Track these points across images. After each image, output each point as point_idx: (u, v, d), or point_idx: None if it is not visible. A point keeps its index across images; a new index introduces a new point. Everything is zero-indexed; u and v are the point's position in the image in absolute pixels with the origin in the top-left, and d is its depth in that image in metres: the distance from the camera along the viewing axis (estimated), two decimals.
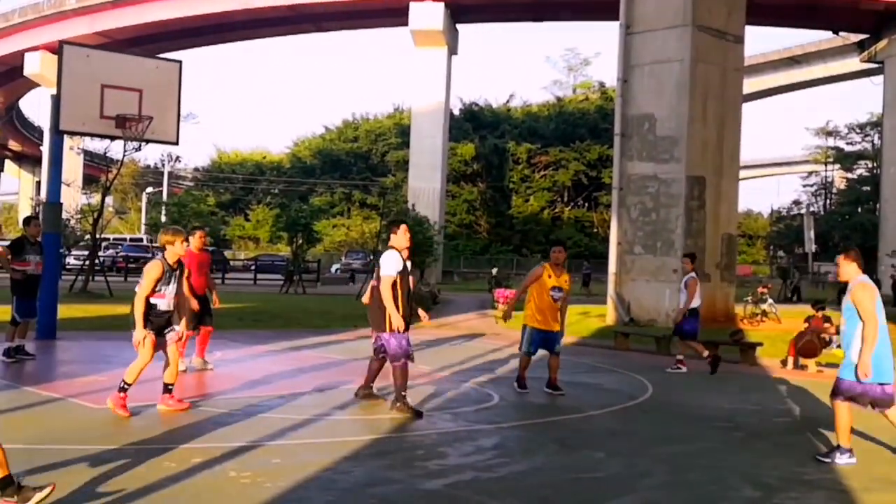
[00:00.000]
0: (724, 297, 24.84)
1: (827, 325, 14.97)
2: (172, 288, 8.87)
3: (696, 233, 23.54)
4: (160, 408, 9.04)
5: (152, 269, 8.70)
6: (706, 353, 14.23)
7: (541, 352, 11.33)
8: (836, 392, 7.93)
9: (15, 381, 10.65)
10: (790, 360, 15.28)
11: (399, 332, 9.29)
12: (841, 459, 7.78)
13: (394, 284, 9.33)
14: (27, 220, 13.38)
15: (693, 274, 14.45)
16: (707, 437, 8.98)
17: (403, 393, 9.33)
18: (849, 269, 7.82)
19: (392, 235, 9.80)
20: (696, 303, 14.24)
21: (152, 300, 8.68)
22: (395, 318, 9.22)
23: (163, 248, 8.91)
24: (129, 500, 5.83)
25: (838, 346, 14.73)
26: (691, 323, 14.35)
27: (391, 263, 9.42)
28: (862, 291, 7.63)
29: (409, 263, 9.75)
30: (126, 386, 8.62)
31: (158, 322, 8.79)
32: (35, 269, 12.71)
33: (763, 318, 25.18)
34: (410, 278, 14.55)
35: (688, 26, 23.29)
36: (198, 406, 9.33)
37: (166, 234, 8.94)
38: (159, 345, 8.82)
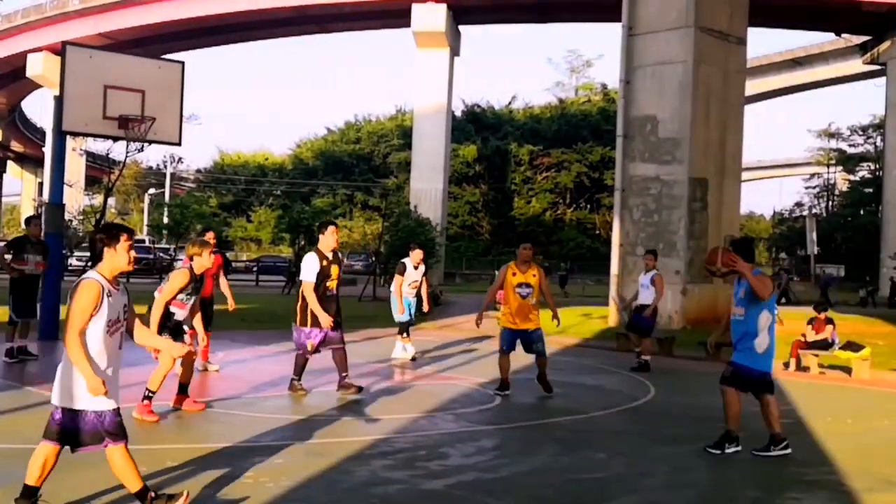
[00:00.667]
0: (727, 299, 24.75)
1: (829, 326, 15.00)
2: (192, 299, 8.88)
3: (699, 234, 23.53)
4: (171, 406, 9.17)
5: (179, 278, 8.71)
6: (648, 356, 14.33)
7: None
8: (768, 387, 8.11)
9: (17, 382, 10.67)
10: (792, 361, 15.28)
11: (306, 328, 10.08)
12: (730, 448, 8.01)
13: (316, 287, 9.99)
14: (28, 220, 13.38)
15: (657, 271, 14.58)
16: (709, 438, 8.95)
17: (295, 377, 10.42)
18: (744, 265, 8.07)
19: (320, 236, 10.28)
20: (652, 299, 14.32)
21: (171, 308, 8.69)
22: (323, 318, 9.92)
23: (191, 258, 8.90)
24: (132, 499, 5.83)
25: (841, 348, 14.77)
26: (650, 320, 14.44)
27: (308, 268, 10.06)
28: (764, 280, 7.94)
29: (336, 266, 10.29)
30: (150, 394, 8.60)
31: (172, 328, 8.81)
32: (34, 269, 12.66)
33: None
34: (423, 277, 14.64)
35: (690, 28, 23.28)
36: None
37: (193, 247, 8.96)
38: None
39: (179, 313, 8.78)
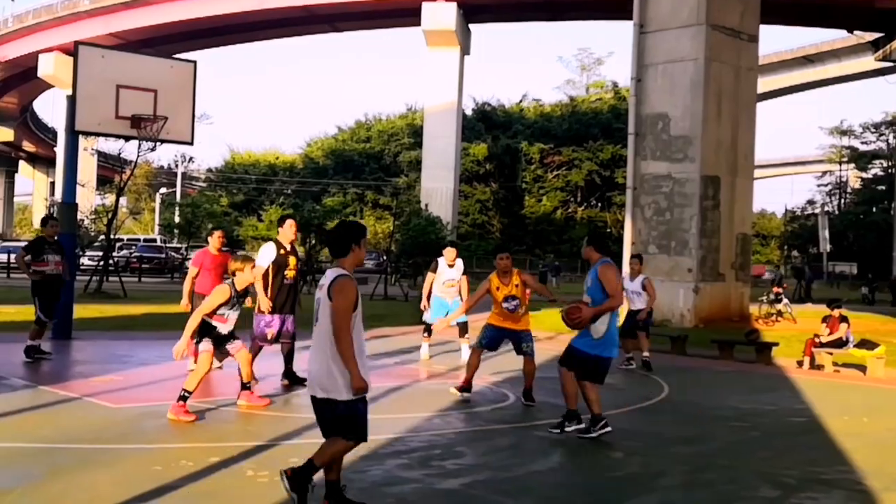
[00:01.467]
0: (739, 297, 24.76)
1: (843, 324, 14.93)
2: (236, 314, 8.96)
3: (711, 232, 23.47)
4: (240, 403, 9.31)
5: (219, 294, 8.75)
6: (648, 352, 14.18)
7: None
8: (594, 374, 8.47)
9: (32, 381, 10.69)
10: (806, 360, 15.21)
11: (266, 314, 10.38)
12: (570, 427, 8.44)
13: (265, 274, 10.39)
14: (44, 221, 13.35)
15: (644, 275, 14.50)
16: (723, 437, 8.95)
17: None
18: (592, 254, 8.54)
19: (280, 229, 10.82)
20: (644, 304, 14.26)
21: (214, 323, 8.76)
22: (263, 301, 10.27)
23: (232, 274, 8.95)
24: (147, 499, 5.84)
25: (856, 346, 14.72)
26: (647, 321, 14.43)
27: (264, 256, 10.59)
28: (610, 270, 8.37)
29: (293, 257, 10.79)
30: (187, 394, 8.61)
31: (218, 335, 8.90)
32: (54, 269, 12.66)
33: (778, 318, 25.09)
34: (464, 277, 14.03)
35: (702, 25, 23.23)
36: (213, 405, 9.34)
37: (236, 262, 8.99)
38: (217, 354, 8.95)
39: (222, 327, 8.85)
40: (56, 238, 13.09)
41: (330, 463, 5.66)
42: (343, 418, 5.54)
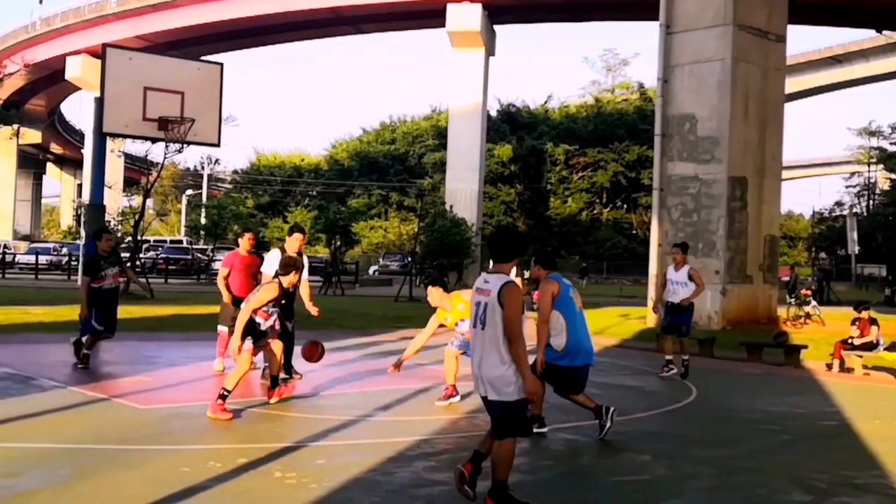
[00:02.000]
0: (767, 299, 24.57)
1: (874, 327, 14.77)
2: (276, 311, 9.22)
3: (738, 234, 23.30)
4: (273, 402, 9.42)
5: (268, 291, 9.03)
6: (687, 357, 13.42)
7: None
8: (567, 385, 8.67)
9: (61, 382, 10.74)
10: (835, 362, 15.06)
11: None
12: (535, 429, 8.31)
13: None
14: (98, 234, 12.68)
15: (689, 265, 13.56)
16: (752, 440, 8.87)
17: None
18: (540, 273, 8.76)
19: (287, 238, 11.21)
20: (689, 295, 13.25)
21: (256, 318, 8.91)
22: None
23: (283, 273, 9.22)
24: (175, 500, 5.85)
25: (886, 349, 14.57)
26: (690, 316, 13.55)
27: (270, 262, 10.84)
28: (545, 286, 8.54)
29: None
30: (226, 393, 8.71)
31: (257, 332, 9.09)
32: (112, 283, 12.28)
33: (806, 321, 24.89)
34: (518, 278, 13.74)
35: (729, 25, 23.07)
36: (241, 406, 9.35)
37: (283, 266, 9.31)
38: (256, 352, 9.11)
39: (263, 324, 9.09)
40: (111, 251, 12.66)
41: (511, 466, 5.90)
42: (518, 418, 5.76)
